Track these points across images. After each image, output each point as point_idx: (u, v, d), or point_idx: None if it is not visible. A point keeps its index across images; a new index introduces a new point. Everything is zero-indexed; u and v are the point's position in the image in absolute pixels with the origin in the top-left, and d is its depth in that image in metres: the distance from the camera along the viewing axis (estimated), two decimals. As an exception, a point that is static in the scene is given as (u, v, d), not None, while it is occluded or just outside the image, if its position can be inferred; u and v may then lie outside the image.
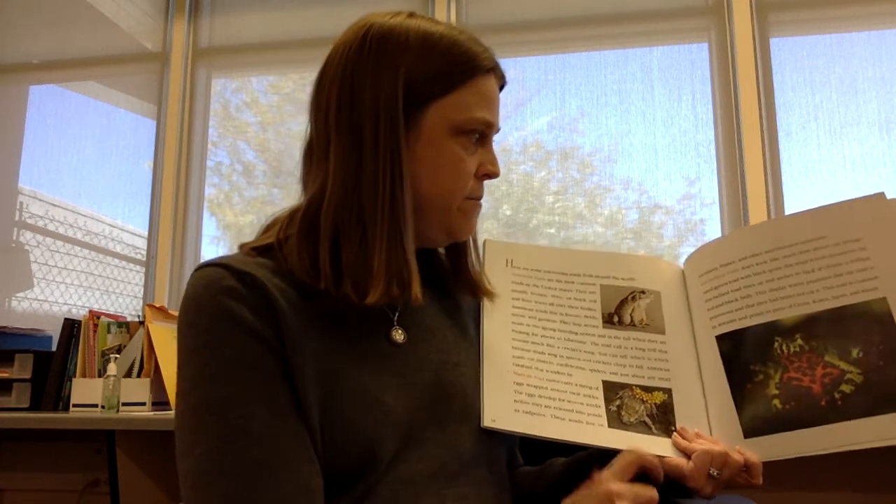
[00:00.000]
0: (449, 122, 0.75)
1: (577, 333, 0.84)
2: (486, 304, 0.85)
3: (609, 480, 0.68)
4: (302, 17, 2.63)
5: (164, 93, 2.67)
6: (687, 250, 2.27)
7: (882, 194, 0.82)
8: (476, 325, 0.87)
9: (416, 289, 0.72)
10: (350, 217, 0.71)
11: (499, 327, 0.84)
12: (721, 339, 0.83)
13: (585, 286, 0.88)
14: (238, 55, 2.72)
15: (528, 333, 0.84)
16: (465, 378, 0.80)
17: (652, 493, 0.68)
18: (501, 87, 0.83)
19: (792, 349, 0.79)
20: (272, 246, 0.74)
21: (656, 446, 0.78)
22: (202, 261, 0.76)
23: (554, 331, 0.85)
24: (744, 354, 0.81)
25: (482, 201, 0.83)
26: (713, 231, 2.25)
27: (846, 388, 0.75)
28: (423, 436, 0.73)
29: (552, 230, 2.36)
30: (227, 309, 0.66)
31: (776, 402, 0.77)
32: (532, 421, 0.77)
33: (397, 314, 0.78)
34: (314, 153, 0.77)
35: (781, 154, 2.21)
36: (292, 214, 0.76)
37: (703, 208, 2.27)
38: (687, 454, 0.76)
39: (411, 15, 0.77)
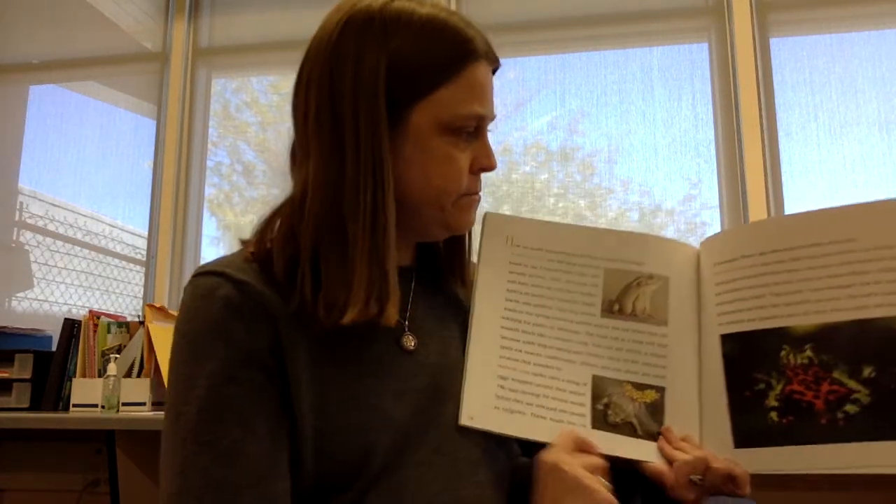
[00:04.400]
0: (437, 120, 0.69)
1: (572, 322, 0.79)
2: (479, 286, 0.80)
3: (550, 453, 0.67)
4: (302, 17, 2.63)
5: (164, 93, 2.67)
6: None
7: None
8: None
9: (393, 309, 0.68)
10: (331, 231, 0.67)
11: (490, 314, 0.79)
12: (726, 339, 0.77)
13: (588, 269, 0.81)
14: (238, 55, 2.72)
15: (520, 321, 0.79)
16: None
17: (596, 460, 0.68)
18: (496, 70, 0.77)
19: (799, 360, 0.72)
20: (265, 252, 0.71)
21: (640, 450, 0.75)
22: (201, 263, 0.74)
23: (548, 318, 0.79)
24: (747, 359, 0.75)
25: (481, 194, 0.78)
26: (714, 231, 2.25)
27: (851, 408, 0.69)
28: (420, 441, 0.71)
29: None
30: (218, 323, 0.65)
31: (773, 414, 0.72)
32: (511, 419, 0.75)
33: (406, 319, 0.76)
34: (296, 158, 0.74)
35: (781, 154, 2.21)
36: (273, 219, 0.72)
37: (704, 209, 2.27)
38: (669, 461, 0.72)
39: None
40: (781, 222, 0.80)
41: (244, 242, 0.74)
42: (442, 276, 0.83)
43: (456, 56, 0.70)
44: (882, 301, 0.71)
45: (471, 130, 0.72)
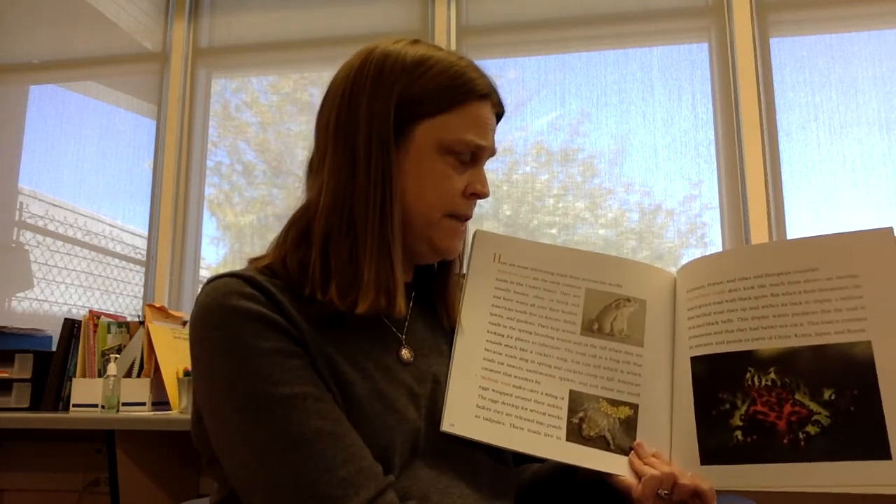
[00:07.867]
0: (437, 140, 0.77)
1: (553, 339, 0.83)
2: (465, 300, 0.84)
3: None
4: (302, 17, 2.63)
5: (164, 93, 2.67)
6: (689, 251, 2.27)
7: (889, 230, 0.76)
8: None
9: (401, 301, 0.73)
10: (340, 225, 0.73)
11: (475, 326, 0.83)
12: (695, 361, 0.81)
13: (570, 289, 0.85)
14: (238, 55, 2.72)
15: (503, 336, 0.83)
16: None
17: None
18: (500, 116, 0.85)
19: (763, 382, 0.76)
20: (274, 265, 0.75)
21: (611, 464, 0.78)
22: (201, 263, 0.77)
23: (530, 334, 0.83)
24: (715, 380, 0.79)
25: (473, 219, 0.83)
26: (714, 232, 2.25)
27: (812, 429, 0.73)
28: (427, 446, 0.75)
29: (553, 231, 2.36)
30: (247, 308, 0.68)
31: (738, 433, 0.76)
32: (490, 429, 0.78)
33: (404, 333, 0.80)
34: (313, 167, 0.80)
35: (781, 154, 2.21)
36: (288, 231, 0.78)
37: (704, 209, 2.27)
38: (638, 476, 0.76)
39: (415, 42, 0.80)
40: (749, 251, 0.87)
41: (253, 260, 0.78)
42: (435, 296, 0.87)
43: (461, 89, 0.77)
44: (841, 328, 0.75)
45: (468, 158, 0.79)
